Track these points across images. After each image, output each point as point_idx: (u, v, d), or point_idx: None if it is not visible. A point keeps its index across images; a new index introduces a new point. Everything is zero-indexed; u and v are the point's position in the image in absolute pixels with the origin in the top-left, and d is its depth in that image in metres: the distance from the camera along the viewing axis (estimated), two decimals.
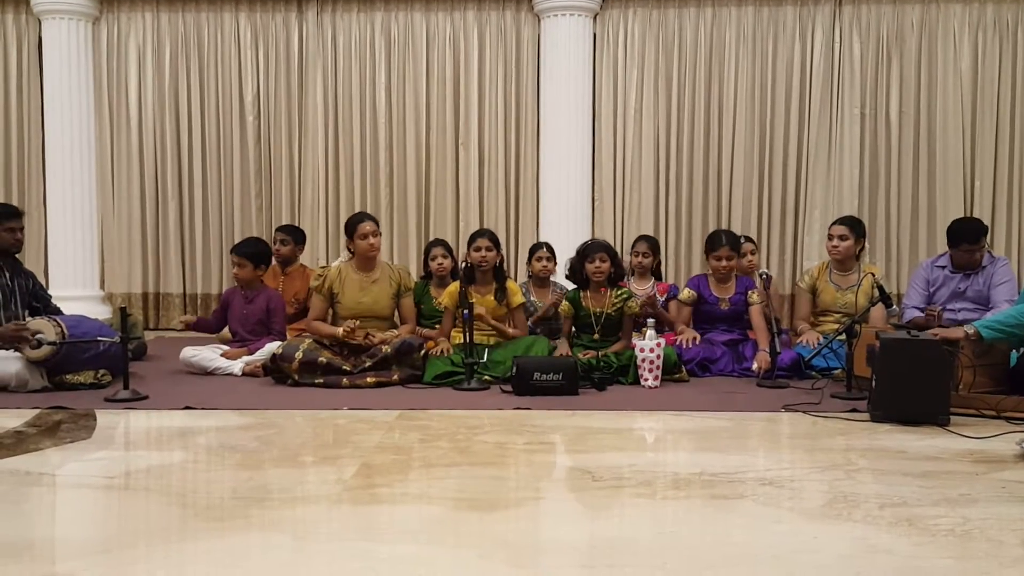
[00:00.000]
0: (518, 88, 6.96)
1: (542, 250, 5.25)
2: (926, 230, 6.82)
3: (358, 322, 4.43)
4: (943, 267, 4.74)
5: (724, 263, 4.74)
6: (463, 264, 4.76)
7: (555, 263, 5.23)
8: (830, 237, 4.95)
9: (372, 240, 4.57)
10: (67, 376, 4.12)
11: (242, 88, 7.04)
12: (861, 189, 6.85)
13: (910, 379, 3.37)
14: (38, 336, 3.99)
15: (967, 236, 4.60)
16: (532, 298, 5.19)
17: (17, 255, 4.51)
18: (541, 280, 5.26)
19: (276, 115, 7.04)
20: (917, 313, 4.65)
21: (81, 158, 6.77)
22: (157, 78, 7.03)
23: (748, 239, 5.54)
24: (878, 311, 4.52)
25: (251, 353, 4.67)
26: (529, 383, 4.02)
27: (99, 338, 4.13)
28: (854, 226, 4.97)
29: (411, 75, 6.99)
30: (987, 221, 6.70)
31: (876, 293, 4.32)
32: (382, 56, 7.00)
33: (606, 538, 2.13)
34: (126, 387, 3.89)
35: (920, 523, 2.16)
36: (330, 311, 4.67)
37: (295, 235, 5.74)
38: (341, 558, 1.94)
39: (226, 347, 4.81)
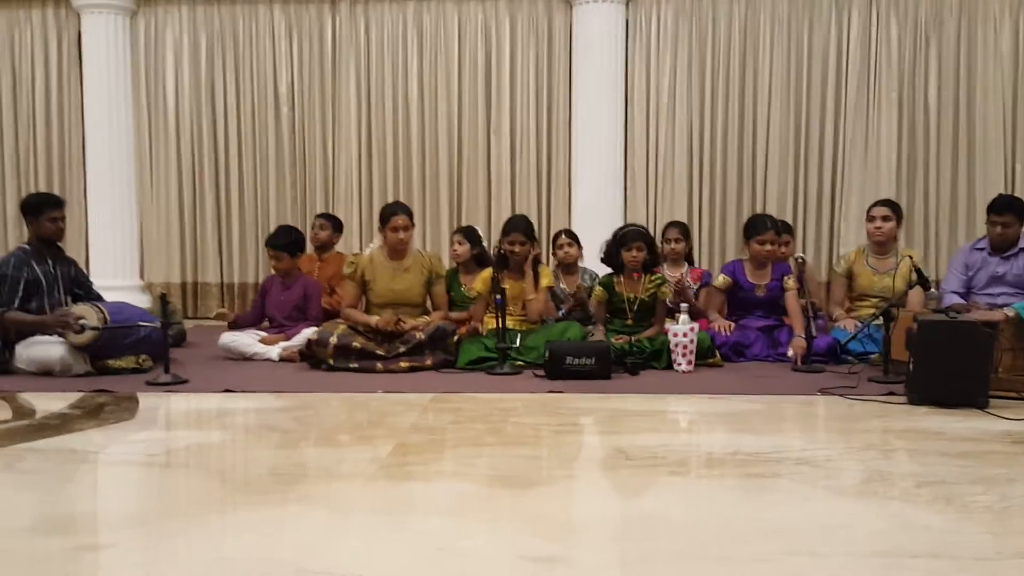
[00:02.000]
0: (550, 76, 6.96)
1: (562, 237, 5.27)
2: (965, 216, 6.71)
3: (398, 317, 4.46)
4: (982, 249, 4.67)
5: (768, 247, 4.70)
6: (497, 250, 4.77)
7: (578, 248, 5.23)
8: (872, 219, 4.89)
9: (402, 235, 4.59)
10: (109, 361, 4.22)
11: (276, 80, 7.12)
12: (899, 175, 6.76)
13: (948, 361, 3.32)
14: (81, 321, 4.08)
15: (994, 206, 4.58)
16: (561, 285, 5.19)
17: (59, 244, 4.61)
18: (567, 267, 5.26)
19: (310, 106, 7.12)
20: (956, 298, 4.58)
21: (120, 150, 6.90)
22: (193, 71, 7.13)
23: (785, 229, 5.49)
24: (916, 295, 4.47)
25: (288, 339, 4.73)
26: (562, 367, 4.03)
27: (140, 323, 4.22)
28: (895, 208, 4.93)
29: (443, 65, 7.02)
30: None
31: (914, 276, 4.26)
32: (414, 46, 7.04)
33: (639, 514, 2.13)
34: (167, 371, 3.97)
35: (958, 501, 2.14)
36: (363, 300, 4.71)
37: (334, 222, 5.86)
38: (376, 529, 1.97)
39: (264, 333, 4.88)
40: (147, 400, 3.59)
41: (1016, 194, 6.55)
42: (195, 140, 7.18)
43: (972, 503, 2.12)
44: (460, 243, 5.18)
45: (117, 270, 6.87)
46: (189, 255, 7.26)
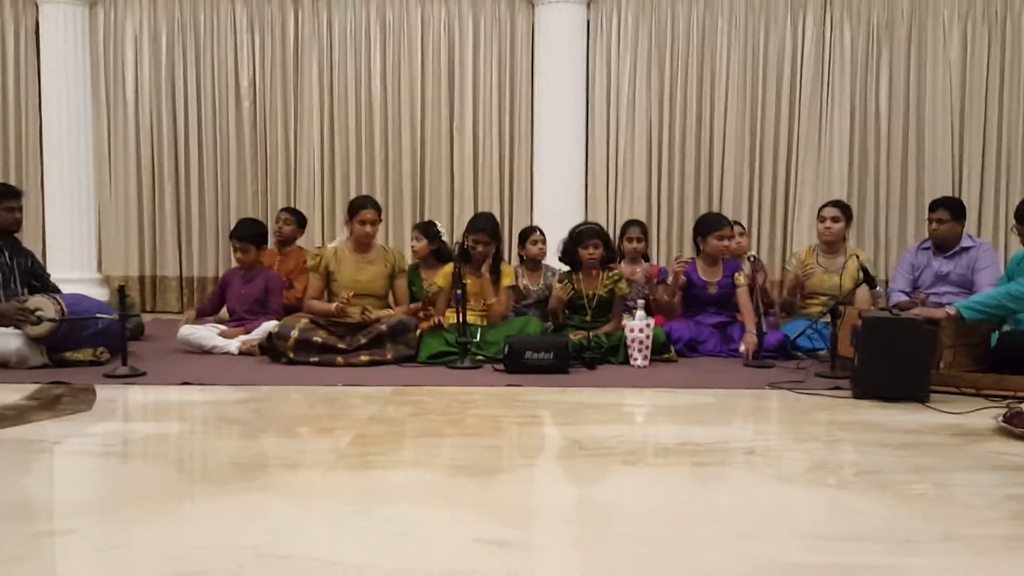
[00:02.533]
0: (512, 74, 7.02)
1: (536, 233, 5.32)
2: (914, 217, 6.91)
3: (351, 293, 4.50)
4: (927, 249, 4.84)
5: (726, 243, 4.81)
6: (460, 245, 4.81)
7: (546, 245, 5.31)
8: (822, 219, 5.04)
9: (369, 228, 4.64)
10: (66, 353, 4.20)
11: (238, 73, 7.09)
12: (850, 176, 6.95)
13: (892, 357, 3.45)
14: (38, 313, 4.06)
15: (930, 205, 4.81)
16: (524, 282, 5.25)
17: (16, 235, 4.56)
18: (534, 263, 5.32)
19: (272, 100, 7.10)
20: (903, 297, 4.74)
21: (78, 141, 6.83)
22: (153, 63, 7.08)
23: (737, 223, 5.62)
24: (863, 293, 4.61)
25: (248, 332, 4.74)
26: (521, 361, 4.10)
27: (98, 315, 4.20)
28: (844, 209, 5.08)
29: (406, 61, 7.05)
30: (974, 209, 6.83)
31: (861, 275, 4.40)
32: (377, 42, 7.06)
33: (593, 501, 2.21)
34: (124, 364, 3.96)
35: (893, 488, 2.24)
36: (326, 293, 4.74)
37: (298, 217, 5.88)
38: (337, 516, 2.02)
39: (223, 326, 4.88)
40: (104, 392, 3.58)
41: (961, 197, 6.81)
42: (155, 133, 7.12)
43: (907, 491, 2.23)
44: (417, 239, 5.27)
45: (74, 262, 6.80)
46: (148, 249, 7.20)
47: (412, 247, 5.26)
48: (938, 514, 2.05)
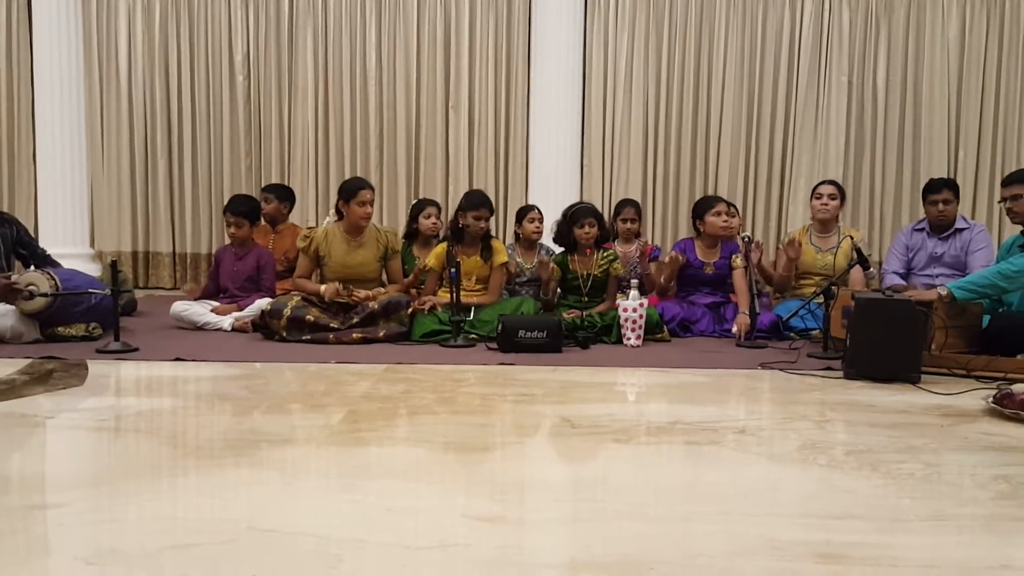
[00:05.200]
0: (509, 52, 6.98)
1: (534, 211, 5.27)
2: (910, 198, 6.91)
3: (340, 285, 4.48)
4: (921, 230, 4.85)
5: (724, 218, 4.80)
6: (453, 223, 4.80)
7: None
8: (819, 196, 5.03)
9: (369, 209, 4.61)
10: (59, 329, 4.20)
11: (232, 48, 7.04)
12: (846, 157, 6.94)
13: (884, 338, 3.46)
14: (30, 288, 4.04)
15: (932, 187, 4.79)
16: (519, 259, 5.24)
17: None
18: (530, 242, 5.30)
19: (266, 75, 7.06)
20: (897, 278, 4.75)
21: (71, 116, 6.75)
22: (147, 36, 7.02)
23: (731, 205, 5.61)
24: (857, 274, 4.62)
25: (241, 309, 4.73)
26: (514, 340, 4.11)
27: (90, 291, 4.19)
28: (840, 189, 5.09)
29: (402, 37, 7.01)
30: (969, 190, 6.84)
31: (854, 255, 4.41)
32: (372, 17, 7.01)
33: (585, 478, 2.22)
34: (117, 339, 3.96)
35: (883, 468, 2.25)
36: (318, 272, 4.73)
37: (279, 193, 5.71)
38: (327, 491, 2.03)
39: (216, 303, 4.87)
40: (97, 367, 3.58)
41: (957, 177, 6.82)
42: (148, 108, 7.08)
43: (896, 470, 2.24)
44: (437, 216, 5.21)
45: (67, 238, 6.74)
46: (141, 224, 7.18)
47: (433, 222, 5.15)
48: (927, 493, 2.06)
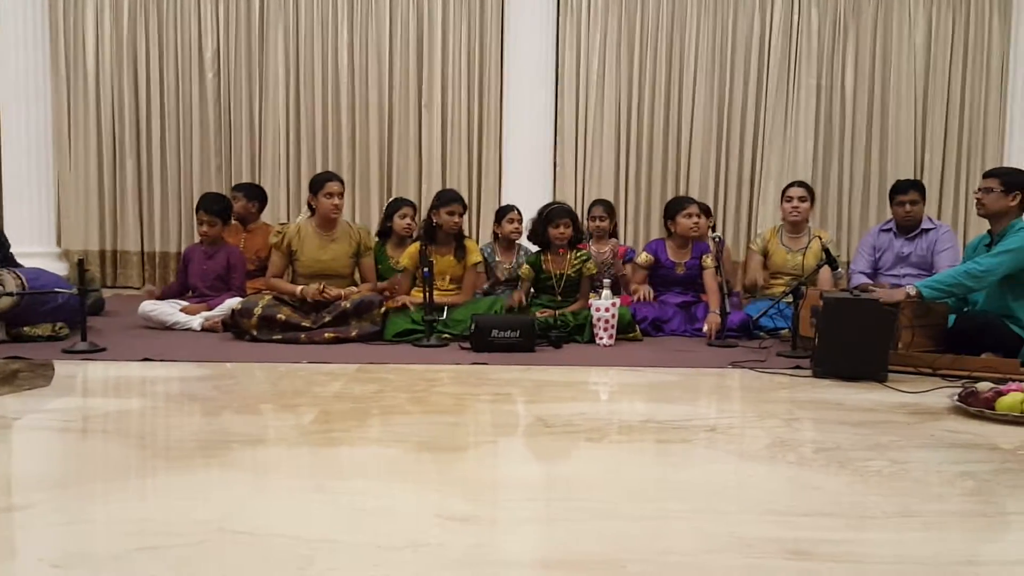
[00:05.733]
0: (482, 50, 6.98)
1: (513, 212, 5.26)
2: (877, 199, 7.01)
3: (323, 285, 4.46)
4: (888, 231, 4.91)
5: (694, 219, 4.84)
6: (426, 223, 4.78)
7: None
8: (788, 199, 5.09)
9: (336, 201, 4.59)
10: (25, 329, 4.14)
11: (202, 44, 6.97)
12: (815, 159, 7.02)
13: (852, 337, 3.50)
14: None
15: (899, 188, 4.85)
16: (498, 259, 5.24)
17: None
18: (508, 243, 5.30)
19: (236, 73, 6.99)
20: (864, 278, 4.81)
21: (37, 112, 6.65)
22: (115, 33, 6.93)
23: (703, 206, 5.65)
24: (825, 274, 4.67)
25: (210, 308, 4.69)
26: (487, 340, 4.10)
27: (57, 290, 4.13)
28: (810, 190, 5.15)
29: (374, 34, 6.97)
30: (935, 192, 6.95)
31: (823, 256, 4.46)
32: (344, 15, 6.97)
33: (557, 477, 2.22)
34: (84, 339, 3.90)
35: (851, 465, 2.28)
36: (289, 269, 4.70)
37: (248, 192, 5.64)
38: (298, 492, 2.01)
39: (185, 302, 4.82)
40: (64, 368, 3.52)
41: (923, 179, 6.92)
42: (116, 104, 6.99)
43: (864, 467, 2.27)
44: (412, 216, 5.16)
45: (33, 236, 6.63)
46: (108, 222, 7.08)
47: (408, 223, 5.11)
48: (894, 490, 2.09)
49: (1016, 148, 6.77)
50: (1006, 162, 6.64)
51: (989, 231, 3.99)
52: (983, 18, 6.95)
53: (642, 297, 4.84)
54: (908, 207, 4.78)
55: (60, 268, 6.36)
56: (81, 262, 4.04)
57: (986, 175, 3.98)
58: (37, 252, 6.39)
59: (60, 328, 4.23)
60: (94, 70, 6.94)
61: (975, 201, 3.99)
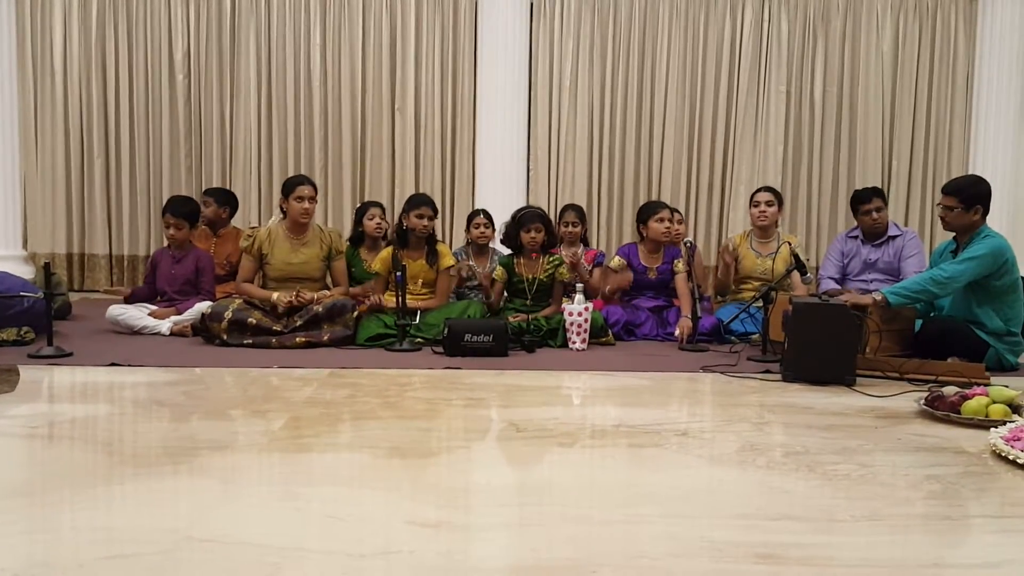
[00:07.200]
0: (455, 55, 6.98)
1: (479, 217, 5.26)
2: (845, 205, 7.06)
3: (294, 294, 4.42)
4: (856, 238, 4.98)
5: (666, 224, 4.87)
6: (399, 226, 4.77)
7: (493, 229, 5.27)
8: (756, 204, 5.14)
9: (307, 205, 4.56)
10: None
11: (172, 45, 6.90)
12: (784, 165, 7.09)
13: (820, 342, 3.54)
14: None
15: (861, 198, 4.92)
16: (471, 263, 5.23)
17: None
18: (480, 247, 5.29)
19: (207, 74, 6.93)
20: (833, 283, 4.87)
21: (3, 113, 6.53)
22: (83, 32, 6.84)
23: (676, 211, 5.69)
24: (795, 279, 4.72)
25: (179, 313, 4.64)
26: (460, 344, 4.10)
27: (22, 294, 4.07)
28: (777, 195, 5.20)
29: (347, 37, 6.95)
30: (902, 198, 7.05)
31: (792, 261, 4.51)
32: (317, 17, 6.94)
33: (529, 482, 2.22)
34: (50, 343, 3.85)
35: (819, 469, 2.31)
36: (260, 275, 4.66)
37: (218, 197, 5.58)
38: (267, 499, 2.00)
39: (153, 307, 4.76)
40: (29, 373, 3.47)
41: (891, 185, 7.04)
42: (84, 105, 6.89)
43: (832, 471, 2.29)
44: (382, 217, 5.19)
45: None
46: (76, 225, 6.98)
47: (377, 224, 5.13)
48: (862, 494, 2.11)
49: (980, 154, 6.88)
50: (971, 169, 6.74)
51: (955, 238, 4.05)
52: (949, 27, 7.06)
53: (617, 284, 4.87)
54: (875, 215, 4.85)
55: (26, 271, 6.26)
56: (47, 265, 3.98)
57: (945, 192, 3.96)
58: (2, 255, 6.29)
59: (26, 332, 4.16)
60: (62, 70, 6.84)
61: (940, 218, 4.04)
